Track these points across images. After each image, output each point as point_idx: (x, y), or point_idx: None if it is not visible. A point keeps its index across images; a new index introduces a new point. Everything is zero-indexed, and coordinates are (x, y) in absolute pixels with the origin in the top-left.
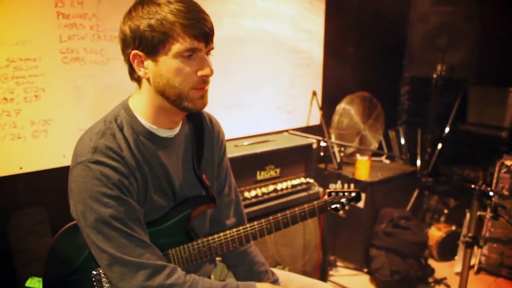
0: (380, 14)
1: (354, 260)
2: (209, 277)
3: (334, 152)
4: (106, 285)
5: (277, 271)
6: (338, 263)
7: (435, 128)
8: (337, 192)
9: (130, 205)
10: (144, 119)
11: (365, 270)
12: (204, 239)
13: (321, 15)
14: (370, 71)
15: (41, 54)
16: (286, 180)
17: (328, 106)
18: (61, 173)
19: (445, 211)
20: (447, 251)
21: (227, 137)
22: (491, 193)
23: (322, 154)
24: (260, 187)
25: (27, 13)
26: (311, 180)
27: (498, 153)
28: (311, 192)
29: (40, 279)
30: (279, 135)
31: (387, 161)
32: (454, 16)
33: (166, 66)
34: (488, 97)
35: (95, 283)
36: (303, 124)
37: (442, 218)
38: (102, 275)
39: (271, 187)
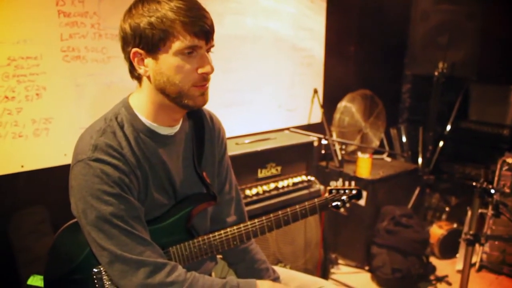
0: (382, 12)
1: (356, 258)
2: (210, 275)
3: (335, 150)
4: (107, 283)
5: (278, 269)
6: (340, 261)
7: (436, 126)
8: (338, 190)
9: (130, 203)
10: (145, 117)
11: (367, 268)
12: (205, 237)
13: (322, 13)
14: (371, 69)
15: (42, 53)
16: (287, 178)
17: (329, 104)
18: (62, 171)
19: (447, 209)
20: (448, 249)
21: (228, 135)
22: (492, 191)
23: (323, 152)
24: (261, 185)
25: (28, 12)
26: (312, 178)
27: (499, 150)
28: (312, 190)
29: (42, 277)
30: (280, 133)
31: (389, 159)
32: (455, 14)
33: (166, 63)
34: (489, 95)
35: (96, 281)
36: (304, 122)
37: (444, 216)
38: (103, 273)
39: (272, 185)
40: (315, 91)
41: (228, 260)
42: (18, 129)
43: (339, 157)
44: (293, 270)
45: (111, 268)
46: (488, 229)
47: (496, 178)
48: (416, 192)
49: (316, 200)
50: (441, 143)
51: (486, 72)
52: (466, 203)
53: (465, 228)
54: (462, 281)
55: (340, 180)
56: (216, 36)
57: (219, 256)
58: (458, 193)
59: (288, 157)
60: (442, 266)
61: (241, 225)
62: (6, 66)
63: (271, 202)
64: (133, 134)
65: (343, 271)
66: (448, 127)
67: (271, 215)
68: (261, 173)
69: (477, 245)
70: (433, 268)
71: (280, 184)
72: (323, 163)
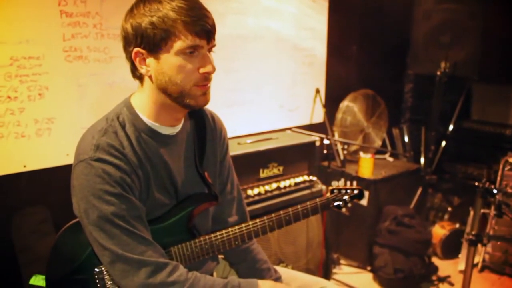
0: (383, 11)
1: (358, 258)
2: (212, 275)
3: (337, 150)
4: (109, 283)
5: (280, 269)
6: (342, 261)
7: (438, 126)
8: (339, 190)
9: (132, 203)
10: (146, 117)
11: (369, 268)
12: (206, 237)
13: (324, 13)
14: (373, 69)
15: (44, 53)
16: (289, 178)
17: (331, 104)
18: (65, 171)
19: (449, 209)
20: (450, 249)
21: (230, 135)
22: (495, 191)
23: (325, 152)
24: (263, 185)
25: (31, 12)
26: (314, 178)
27: (502, 150)
28: (314, 190)
29: (44, 277)
30: (282, 133)
31: (391, 159)
32: (457, 14)
33: (168, 63)
34: (491, 95)
35: (97, 281)
36: (306, 122)
37: (446, 216)
38: (105, 273)
39: (274, 185)
40: (317, 91)
41: (229, 260)
42: (20, 129)
43: (341, 157)
44: (294, 270)
45: (113, 268)
46: (491, 230)
47: (498, 178)
48: (418, 192)
49: (317, 200)
50: (443, 143)
51: (488, 72)
52: (469, 203)
53: (468, 228)
54: (464, 281)
55: (342, 180)
56: (217, 35)
57: (220, 256)
58: (461, 193)
59: (290, 157)
60: (444, 267)
61: (243, 225)
62: (9, 66)
63: (273, 202)
64: (134, 134)
65: (345, 271)
66: (451, 127)
67: (273, 215)
68: (263, 173)
69: (479, 246)
70: (435, 269)
71: (282, 184)
72: (325, 163)
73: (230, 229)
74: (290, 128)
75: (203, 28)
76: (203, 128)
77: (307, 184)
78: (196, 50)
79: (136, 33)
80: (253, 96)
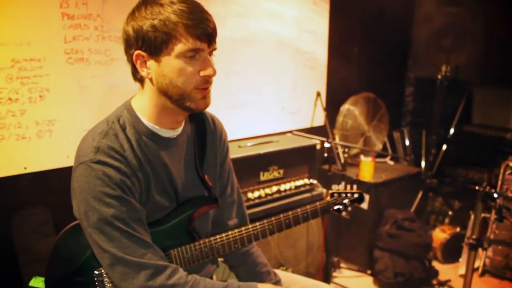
0: (385, 14)
1: (358, 261)
2: (211, 278)
3: (338, 153)
4: (108, 285)
5: (280, 272)
6: (342, 265)
7: (439, 129)
8: (339, 193)
9: (132, 205)
10: (147, 119)
11: (369, 271)
12: (206, 240)
13: (326, 16)
14: (375, 72)
15: (45, 55)
16: (289, 181)
17: (332, 107)
18: (65, 173)
19: (450, 212)
20: (451, 253)
21: (230, 137)
22: (495, 195)
23: (326, 155)
24: (263, 188)
25: (32, 14)
26: (315, 181)
27: (503, 154)
28: (314, 193)
29: (43, 279)
30: (282, 136)
31: (391, 162)
32: (459, 17)
33: (169, 66)
34: (493, 99)
35: (97, 283)
36: (307, 125)
37: (447, 220)
38: (104, 275)
39: (274, 188)
40: (318, 94)
41: (229, 263)
42: (21, 131)
43: (342, 160)
44: (294, 274)
45: (112, 270)
46: (491, 234)
47: (499, 182)
48: (419, 195)
49: (318, 203)
50: (444, 147)
51: (490, 76)
52: (469, 207)
53: (468, 233)
54: (465, 285)
55: (343, 183)
56: (218, 38)
57: (220, 259)
58: (461, 197)
59: (290, 160)
60: (444, 271)
61: (243, 228)
62: (10, 68)
63: (273, 205)
64: (135, 136)
65: (345, 275)
66: (452, 131)
67: (273, 218)
68: (263, 176)
69: (480, 250)
70: (435, 273)
71: (282, 187)
72: (326, 166)
73: (230, 232)
74: (290, 131)
75: (204, 32)
76: (203, 131)
77: (307, 187)
78: (197, 53)
79: (138, 36)
80: (254, 99)
